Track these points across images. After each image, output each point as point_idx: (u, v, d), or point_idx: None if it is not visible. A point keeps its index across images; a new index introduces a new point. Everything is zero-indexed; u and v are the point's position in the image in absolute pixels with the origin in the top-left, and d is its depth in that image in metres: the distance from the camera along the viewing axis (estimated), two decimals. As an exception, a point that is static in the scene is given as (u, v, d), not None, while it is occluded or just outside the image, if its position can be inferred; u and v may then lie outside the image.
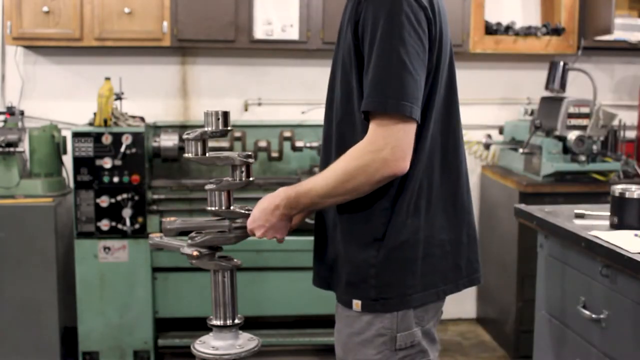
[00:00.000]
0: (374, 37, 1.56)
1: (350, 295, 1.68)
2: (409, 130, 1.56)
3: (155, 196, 3.75)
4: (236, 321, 1.72)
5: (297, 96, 4.30)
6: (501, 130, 4.38)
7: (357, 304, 1.67)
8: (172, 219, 1.75)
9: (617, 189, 2.23)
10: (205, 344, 1.71)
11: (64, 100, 4.17)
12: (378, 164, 1.55)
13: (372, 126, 1.56)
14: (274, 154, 3.92)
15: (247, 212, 1.72)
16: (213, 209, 1.71)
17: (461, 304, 4.53)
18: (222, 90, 4.28)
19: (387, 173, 1.56)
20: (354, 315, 1.68)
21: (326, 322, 3.84)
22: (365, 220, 1.66)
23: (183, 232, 1.74)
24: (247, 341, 1.73)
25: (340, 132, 1.71)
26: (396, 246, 1.65)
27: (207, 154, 1.68)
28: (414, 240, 1.66)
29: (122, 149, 3.57)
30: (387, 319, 1.66)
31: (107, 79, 3.65)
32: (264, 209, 1.68)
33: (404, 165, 1.57)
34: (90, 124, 3.66)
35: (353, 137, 1.65)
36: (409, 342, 1.67)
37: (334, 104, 1.74)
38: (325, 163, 1.75)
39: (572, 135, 3.81)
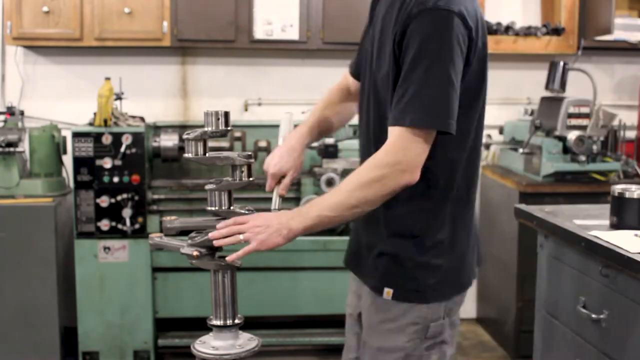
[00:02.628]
0: (419, 52, 1.58)
1: (383, 284, 1.76)
2: (428, 145, 1.62)
3: (155, 196, 3.75)
4: (236, 321, 1.72)
5: (297, 96, 4.30)
6: (501, 130, 4.38)
7: (388, 292, 1.75)
8: (172, 218, 1.75)
9: (617, 189, 2.23)
10: (205, 344, 1.71)
11: (64, 100, 4.17)
12: (395, 174, 1.60)
13: (396, 137, 1.61)
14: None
15: (247, 212, 1.72)
16: (213, 209, 1.71)
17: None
18: (222, 90, 4.28)
19: (401, 184, 1.62)
20: (390, 303, 1.76)
21: (326, 322, 3.84)
22: (409, 218, 1.72)
23: (183, 232, 1.74)
24: (247, 341, 1.72)
25: (378, 142, 1.72)
26: (435, 243, 1.74)
27: (207, 154, 1.68)
28: (450, 240, 1.75)
29: (122, 149, 3.57)
30: (424, 308, 1.74)
31: (107, 79, 3.65)
32: (269, 217, 1.66)
33: (416, 176, 1.62)
34: (90, 124, 3.66)
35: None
36: (438, 332, 1.77)
37: (371, 109, 1.77)
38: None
39: (572, 135, 3.81)
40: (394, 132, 1.61)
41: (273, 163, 1.94)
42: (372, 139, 1.79)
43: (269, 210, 1.81)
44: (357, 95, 1.92)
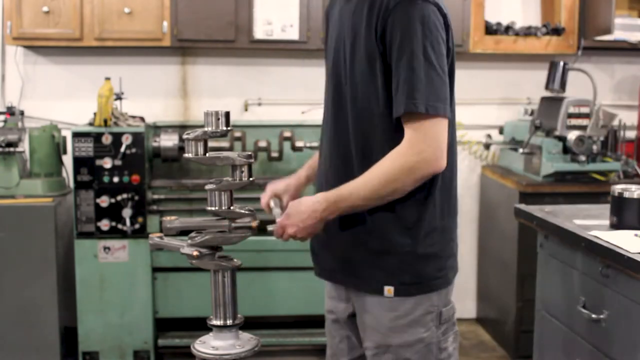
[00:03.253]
0: (406, 42, 1.64)
1: (382, 283, 1.78)
2: (444, 129, 1.68)
3: (155, 196, 3.75)
4: (236, 321, 1.72)
5: (297, 96, 4.30)
6: (501, 130, 4.38)
7: (389, 290, 1.78)
8: (172, 218, 1.75)
9: (617, 189, 2.23)
10: (205, 344, 1.71)
11: (64, 100, 4.17)
12: (422, 164, 1.66)
13: (411, 129, 1.66)
14: (274, 154, 3.92)
15: (247, 212, 1.72)
16: (213, 209, 1.71)
17: (461, 304, 4.53)
18: (222, 90, 4.28)
19: (430, 172, 1.68)
20: (398, 299, 1.78)
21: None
22: (400, 211, 1.75)
23: (183, 232, 1.74)
24: (247, 341, 1.72)
25: (362, 138, 1.77)
26: (428, 234, 1.77)
27: (207, 154, 1.68)
28: (442, 228, 1.80)
29: (122, 149, 3.57)
30: (434, 296, 1.79)
31: (107, 79, 3.65)
32: (302, 211, 1.75)
33: (444, 162, 1.69)
34: (90, 124, 3.66)
35: (377, 142, 1.74)
36: (450, 315, 1.83)
37: (348, 109, 1.78)
38: (345, 169, 1.80)
39: (572, 135, 3.81)
40: (407, 126, 1.66)
41: (273, 183, 2.09)
42: (351, 132, 1.79)
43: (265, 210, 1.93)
44: None
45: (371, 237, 1.79)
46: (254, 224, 1.70)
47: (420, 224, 1.76)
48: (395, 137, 1.70)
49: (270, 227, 1.79)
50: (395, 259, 1.77)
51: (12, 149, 3.68)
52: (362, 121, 1.76)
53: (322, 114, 1.96)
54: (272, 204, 2.04)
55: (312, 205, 1.75)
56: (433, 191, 1.76)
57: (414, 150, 1.66)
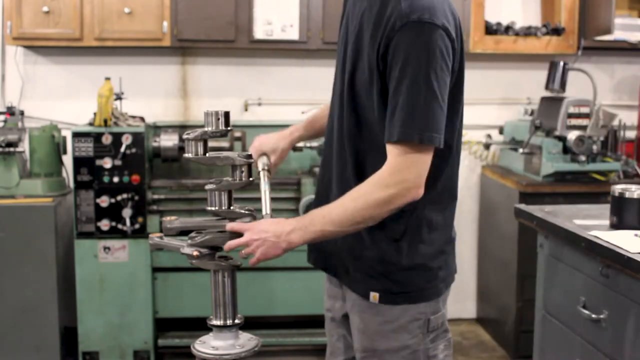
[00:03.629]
0: (408, 67, 1.58)
1: (369, 288, 1.76)
2: (429, 159, 1.63)
3: (155, 196, 3.75)
4: (236, 321, 1.72)
5: (297, 96, 4.30)
6: (501, 130, 4.38)
7: (374, 296, 1.75)
8: (172, 218, 1.75)
9: (617, 189, 2.23)
10: (205, 344, 1.71)
11: (64, 100, 4.17)
12: (402, 192, 1.62)
13: (397, 154, 1.61)
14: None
15: (247, 212, 1.72)
16: (213, 209, 1.71)
17: (461, 304, 4.53)
18: (222, 90, 4.28)
19: (407, 201, 1.64)
20: (383, 305, 1.76)
21: (326, 322, 3.84)
22: (387, 221, 1.70)
23: (183, 232, 1.74)
24: (247, 341, 1.72)
25: (359, 146, 1.75)
26: (415, 245, 1.74)
27: (207, 154, 1.68)
28: (431, 240, 1.76)
29: (122, 149, 3.57)
30: (421, 304, 1.76)
31: (107, 79, 3.65)
32: (269, 229, 1.68)
33: (422, 191, 1.64)
34: (90, 124, 3.66)
35: (371, 153, 1.71)
36: (439, 323, 1.79)
37: (350, 112, 1.76)
38: (342, 176, 1.78)
39: (572, 135, 3.81)
40: (394, 150, 1.62)
41: (257, 140, 2.05)
42: (345, 137, 1.78)
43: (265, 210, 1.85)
44: None
45: (360, 245, 1.77)
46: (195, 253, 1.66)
47: (406, 236, 1.74)
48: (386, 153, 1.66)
49: (226, 245, 1.69)
50: (382, 268, 1.75)
51: (12, 149, 3.68)
52: (361, 130, 1.75)
53: (329, 115, 1.92)
54: (259, 163, 2.00)
55: (281, 225, 1.69)
56: (419, 205, 1.72)
57: (396, 178, 1.61)
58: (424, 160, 1.62)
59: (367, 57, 1.68)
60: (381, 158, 1.65)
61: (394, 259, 1.74)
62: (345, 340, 1.94)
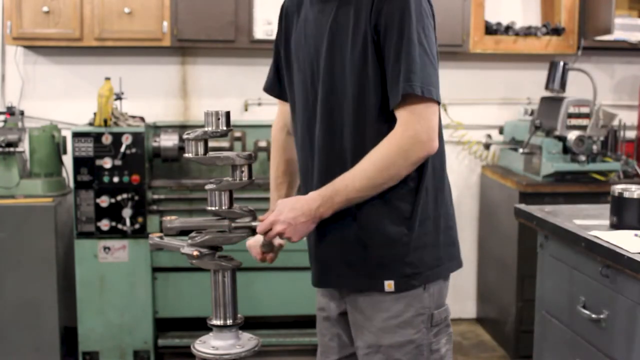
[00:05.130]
0: (401, 29, 1.67)
1: (381, 278, 1.77)
2: (436, 112, 1.71)
3: (155, 196, 3.75)
4: (236, 321, 1.72)
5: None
6: (501, 130, 4.38)
7: (389, 284, 1.76)
8: (172, 218, 1.75)
9: (617, 189, 2.23)
10: (205, 343, 1.71)
11: (64, 100, 4.17)
12: (416, 146, 1.67)
13: (405, 112, 1.68)
14: (274, 154, 3.91)
15: (247, 212, 1.72)
16: (213, 209, 1.71)
17: (461, 304, 4.54)
18: (222, 90, 4.28)
19: (424, 154, 1.69)
20: (390, 299, 1.77)
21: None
22: (393, 201, 1.74)
23: (183, 232, 1.74)
24: (247, 341, 1.72)
25: (357, 132, 1.76)
26: (423, 222, 1.77)
27: (207, 154, 1.68)
28: (437, 215, 1.79)
29: (122, 149, 3.57)
30: (425, 298, 1.78)
31: (107, 79, 3.65)
32: (295, 207, 1.71)
33: (436, 144, 1.71)
34: (90, 124, 3.66)
35: (371, 134, 1.73)
36: (443, 317, 1.81)
37: (338, 103, 1.78)
38: (338, 166, 1.77)
39: (572, 135, 3.81)
40: (402, 110, 1.68)
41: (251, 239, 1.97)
42: (345, 127, 1.78)
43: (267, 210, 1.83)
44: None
45: (366, 233, 1.77)
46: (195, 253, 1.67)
47: (414, 213, 1.75)
48: (389, 128, 1.70)
49: (255, 223, 1.71)
50: (392, 252, 1.76)
51: (12, 149, 3.68)
52: (355, 115, 1.75)
53: (294, 117, 1.92)
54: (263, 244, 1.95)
55: (306, 202, 1.71)
56: (424, 179, 1.76)
57: (408, 133, 1.66)
58: (432, 113, 1.68)
59: (354, 47, 1.72)
60: (380, 137, 1.70)
61: (404, 240, 1.75)
62: (340, 339, 1.93)
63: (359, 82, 1.74)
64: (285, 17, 1.98)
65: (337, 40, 1.77)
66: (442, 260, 1.81)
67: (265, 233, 1.71)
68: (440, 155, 1.80)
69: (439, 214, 1.80)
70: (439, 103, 1.71)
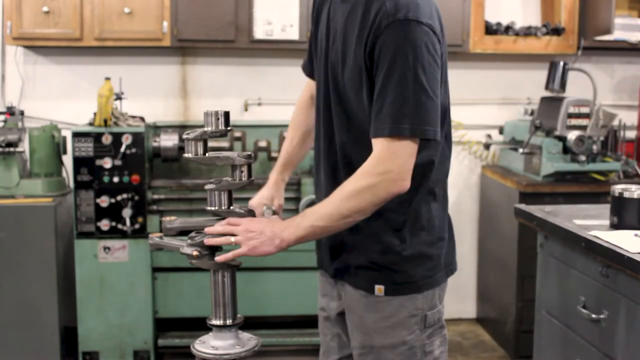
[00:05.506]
0: (395, 65, 1.61)
1: (373, 282, 1.77)
2: (414, 151, 1.64)
3: (155, 196, 3.75)
4: (236, 321, 1.72)
5: (297, 96, 4.22)
6: (501, 130, 4.38)
7: (379, 289, 1.76)
8: (172, 218, 1.75)
9: (617, 189, 2.23)
10: (205, 343, 1.71)
11: (64, 100, 4.17)
12: (385, 183, 1.62)
13: (382, 147, 1.63)
14: (274, 154, 3.91)
15: (247, 212, 1.72)
16: (213, 209, 1.71)
17: (461, 304, 4.54)
18: (222, 90, 4.28)
19: (393, 193, 1.64)
20: (383, 300, 1.77)
21: (326, 322, 3.84)
22: (387, 213, 1.73)
23: (183, 232, 1.74)
24: (247, 341, 1.73)
25: (348, 146, 1.77)
26: (416, 233, 1.76)
27: (207, 154, 1.68)
28: (431, 226, 1.79)
29: (122, 149, 3.57)
30: (418, 299, 1.77)
31: (107, 79, 3.65)
32: (265, 224, 1.68)
33: (407, 184, 1.65)
34: (90, 124, 3.66)
35: (362, 152, 1.70)
36: (436, 319, 1.81)
37: (337, 115, 1.78)
38: (333, 179, 1.80)
39: (572, 135, 3.81)
40: (379, 143, 1.63)
41: (254, 199, 2.02)
42: (334, 139, 1.80)
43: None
44: None
45: (362, 239, 1.78)
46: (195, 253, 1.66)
47: (407, 225, 1.76)
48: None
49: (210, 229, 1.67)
50: (385, 260, 1.76)
51: (12, 149, 3.68)
52: (349, 129, 1.76)
53: (315, 117, 1.93)
54: (265, 212, 1.99)
55: (276, 224, 1.68)
56: (420, 190, 1.75)
57: (379, 169, 1.62)
58: (408, 153, 1.63)
59: (354, 58, 1.70)
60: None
61: (396, 249, 1.76)
62: (340, 339, 1.94)
63: (355, 97, 1.73)
64: (315, 16, 1.94)
65: (342, 49, 1.76)
66: (435, 270, 1.80)
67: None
68: (432, 163, 1.77)
69: (432, 226, 1.79)
70: (437, 140, 1.66)
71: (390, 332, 1.78)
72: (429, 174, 1.77)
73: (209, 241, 1.67)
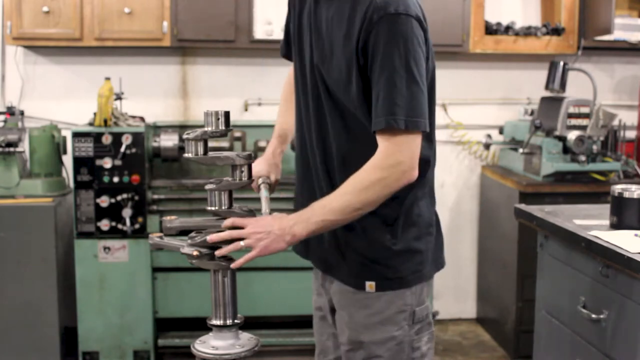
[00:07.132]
0: (388, 57, 1.64)
1: (364, 278, 1.79)
2: (418, 142, 1.69)
3: (155, 196, 3.75)
4: (236, 321, 1.72)
5: (297, 96, 4.29)
6: (501, 130, 4.38)
7: (371, 285, 1.78)
8: (172, 218, 1.75)
9: (617, 189, 2.23)
10: (205, 343, 1.71)
11: (64, 100, 4.17)
12: (397, 175, 1.66)
13: (387, 141, 1.66)
14: (274, 154, 3.91)
15: (246, 212, 1.72)
16: (213, 209, 1.71)
17: (461, 304, 4.54)
18: (222, 90, 4.28)
19: (404, 183, 1.69)
20: (372, 296, 1.79)
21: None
22: (379, 208, 1.73)
23: (183, 232, 1.74)
24: (247, 341, 1.73)
25: (342, 144, 1.78)
26: (407, 228, 1.79)
27: (207, 154, 1.68)
28: (421, 221, 1.81)
29: (122, 149, 3.57)
30: (407, 295, 1.80)
31: (107, 79, 3.65)
32: (271, 223, 1.68)
33: (417, 173, 1.70)
34: (90, 124, 3.66)
35: (355, 149, 1.74)
36: (424, 315, 1.83)
37: (327, 113, 1.79)
38: (328, 176, 1.81)
39: (572, 135, 3.81)
40: (384, 137, 1.66)
41: (254, 169, 2.02)
42: (327, 135, 1.80)
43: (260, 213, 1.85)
44: None
45: (353, 235, 1.79)
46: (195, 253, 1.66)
47: (399, 220, 1.78)
48: (373, 145, 1.69)
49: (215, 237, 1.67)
50: (375, 255, 1.78)
51: (12, 149, 3.68)
52: (342, 126, 1.78)
53: (296, 115, 1.93)
54: (262, 190, 2.00)
55: (284, 220, 1.69)
56: (412, 188, 1.76)
57: (390, 162, 1.66)
58: (414, 143, 1.67)
59: (341, 56, 1.72)
60: (365, 150, 1.70)
61: (387, 244, 1.78)
62: (335, 338, 1.95)
63: (343, 96, 1.74)
64: (294, 10, 1.93)
65: (329, 45, 1.76)
66: (424, 264, 1.82)
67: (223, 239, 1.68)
68: (428, 162, 1.81)
69: (422, 221, 1.82)
70: (425, 132, 1.70)
71: (380, 327, 1.79)
72: (425, 172, 1.79)
73: (220, 252, 1.68)
